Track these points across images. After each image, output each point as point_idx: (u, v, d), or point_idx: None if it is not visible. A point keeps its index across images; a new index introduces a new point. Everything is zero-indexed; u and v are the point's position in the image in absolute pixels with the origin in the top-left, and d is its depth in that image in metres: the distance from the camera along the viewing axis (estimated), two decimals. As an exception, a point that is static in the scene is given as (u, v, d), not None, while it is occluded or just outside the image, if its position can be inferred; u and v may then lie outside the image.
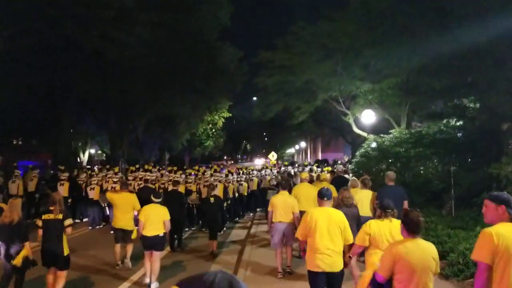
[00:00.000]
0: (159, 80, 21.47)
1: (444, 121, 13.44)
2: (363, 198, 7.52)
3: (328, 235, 4.85)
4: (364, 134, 18.86)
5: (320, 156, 53.71)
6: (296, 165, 27.04)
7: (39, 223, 6.03)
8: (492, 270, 3.14)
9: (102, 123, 26.63)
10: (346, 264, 5.13)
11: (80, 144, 29.76)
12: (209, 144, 43.43)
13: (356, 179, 9.03)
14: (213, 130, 40.95)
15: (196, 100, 26.61)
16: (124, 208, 8.24)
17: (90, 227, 12.53)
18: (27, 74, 17.39)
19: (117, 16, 15.37)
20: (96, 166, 24.63)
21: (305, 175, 9.34)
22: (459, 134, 12.95)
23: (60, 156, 22.48)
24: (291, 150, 68.21)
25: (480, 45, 8.98)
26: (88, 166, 26.95)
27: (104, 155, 34.43)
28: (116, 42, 16.11)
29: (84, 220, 13.58)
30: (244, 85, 33.10)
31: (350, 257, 5.10)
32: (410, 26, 10.83)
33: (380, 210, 4.74)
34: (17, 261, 5.86)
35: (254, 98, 38.17)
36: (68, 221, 6.14)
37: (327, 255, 4.81)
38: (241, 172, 18.04)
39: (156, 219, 6.98)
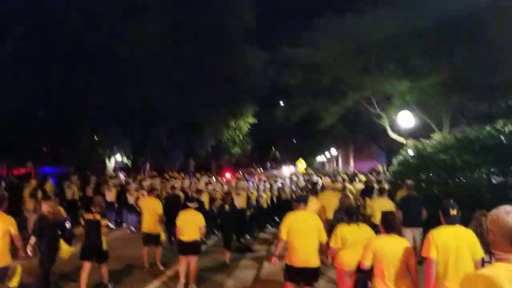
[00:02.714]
0: (179, 83, 20.36)
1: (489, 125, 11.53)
2: (375, 206, 8.31)
3: (304, 235, 5.55)
4: (401, 139, 17.01)
5: (352, 165, 51.42)
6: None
7: (82, 222, 7.05)
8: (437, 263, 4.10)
9: (126, 130, 25.95)
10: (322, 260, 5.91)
11: (107, 150, 29.22)
12: (235, 151, 42.33)
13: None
14: (240, 136, 39.81)
15: (219, 103, 25.53)
16: (149, 213, 8.73)
17: (129, 231, 13.30)
18: (41, 80, 16.58)
19: (126, 11, 14.37)
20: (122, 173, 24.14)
21: (327, 182, 10.34)
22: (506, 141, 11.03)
23: (84, 163, 22.00)
24: (321, 158, 66.12)
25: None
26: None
27: (130, 161, 33.96)
28: (124, 38, 15.01)
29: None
30: (271, 91, 32.13)
31: (327, 257, 5.88)
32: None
33: (347, 216, 5.66)
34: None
35: (282, 103, 36.68)
36: (105, 221, 7.02)
37: (302, 253, 5.52)
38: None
39: (192, 224, 7.33)
